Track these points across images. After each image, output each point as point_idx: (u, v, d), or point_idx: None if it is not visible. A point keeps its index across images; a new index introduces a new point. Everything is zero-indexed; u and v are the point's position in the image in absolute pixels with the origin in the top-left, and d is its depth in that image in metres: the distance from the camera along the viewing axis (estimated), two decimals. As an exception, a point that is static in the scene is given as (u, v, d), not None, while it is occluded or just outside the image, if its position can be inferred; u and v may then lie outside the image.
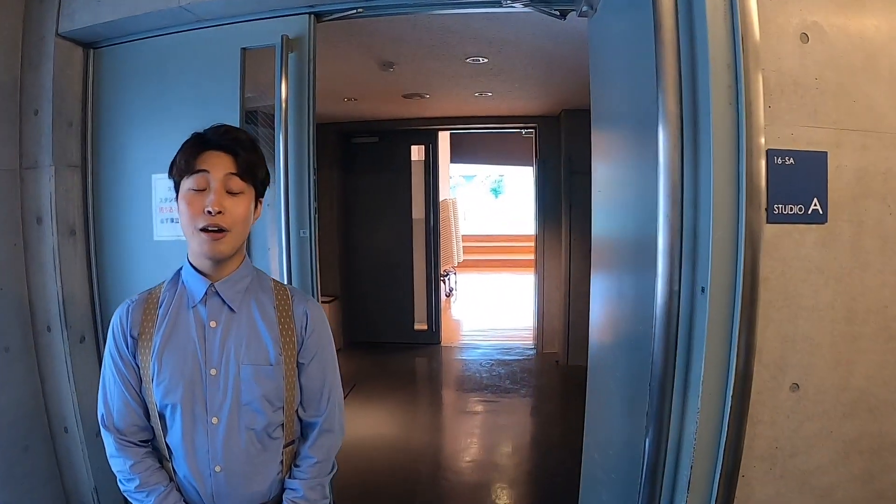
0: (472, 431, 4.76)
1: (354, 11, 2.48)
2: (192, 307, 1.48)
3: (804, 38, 1.51)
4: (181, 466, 1.44)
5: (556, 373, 6.12)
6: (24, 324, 2.63)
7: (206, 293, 1.47)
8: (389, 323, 7.29)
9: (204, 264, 1.46)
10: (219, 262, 1.46)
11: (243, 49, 2.54)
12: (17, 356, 2.57)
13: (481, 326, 8.40)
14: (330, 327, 1.66)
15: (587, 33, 2.26)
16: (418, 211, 7.37)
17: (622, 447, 1.91)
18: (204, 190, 1.40)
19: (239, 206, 1.42)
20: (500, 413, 5.10)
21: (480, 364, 6.46)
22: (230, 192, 1.41)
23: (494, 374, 6.09)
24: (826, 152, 1.53)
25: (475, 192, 19.58)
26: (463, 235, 12.04)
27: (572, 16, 2.36)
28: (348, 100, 5.57)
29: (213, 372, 1.43)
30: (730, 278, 1.47)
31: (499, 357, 6.69)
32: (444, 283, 9.88)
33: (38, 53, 2.57)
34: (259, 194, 1.51)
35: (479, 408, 5.22)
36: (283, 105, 2.44)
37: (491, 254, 14.32)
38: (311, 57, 2.50)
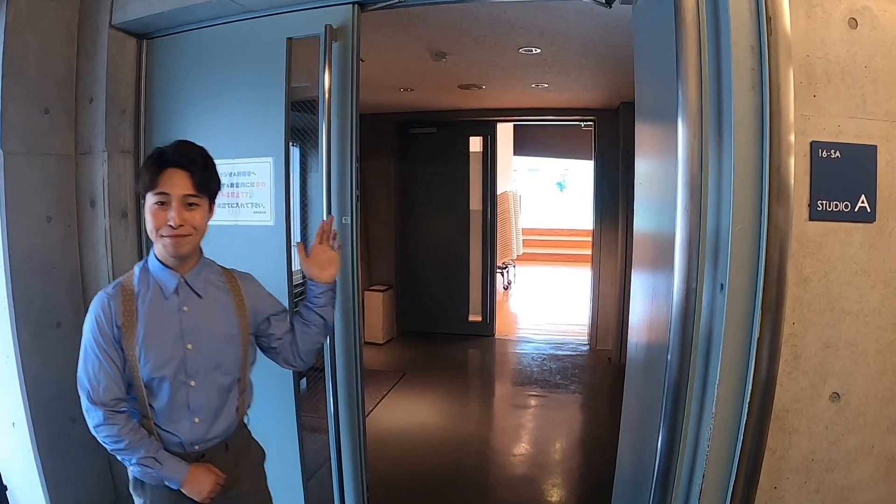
0: (519, 424, 4.74)
1: (397, 1, 2.48)
2: (167, 298, 1.77)
3: (853, 23, 1.41)
4: (166, 423, 1.76)
5: (607, 370, 6.00)
6: (76, 301, 2.77)
7: (177, 284, 1.78)
8: (443, 313, 7.30)
9: (170, 261, 1.77)
10: (182, 259, 1.77)
11: (289, 39, 2.57)
12: (67, 332, 2.70)
13: (536, 320, 8.30)
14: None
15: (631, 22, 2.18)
16: (476, 202, 7.33)
17: (653, 450, 1.84)
18: (165, 204, 1.69)
19: (196, 216, 1.74)
20: (548, 408, 5.05)
21: (532, 358, 6.40)
22: (188, 205, 1.71)
23: (545, 368, 6.02)
24: (875, 146, 1.43)
25: (540, 185, 19.34)
26: (524, 229, 11.94)
27: (618, 5, 2.28)
28: (404, 90, 5.57)
29: (189, 346, 1.76)
30: (752, 276, 1.39)
31: (551, 352, 6.60)
32: (503, 275, 9.82)
33: (93, 44, 2.71)
34: (212, 199, 1.81)
35: (528, 401, 5.18)
36: (327, 94, 2.46)
37: (551, 247, 14.16)
38: (355, 46, 2.51)
